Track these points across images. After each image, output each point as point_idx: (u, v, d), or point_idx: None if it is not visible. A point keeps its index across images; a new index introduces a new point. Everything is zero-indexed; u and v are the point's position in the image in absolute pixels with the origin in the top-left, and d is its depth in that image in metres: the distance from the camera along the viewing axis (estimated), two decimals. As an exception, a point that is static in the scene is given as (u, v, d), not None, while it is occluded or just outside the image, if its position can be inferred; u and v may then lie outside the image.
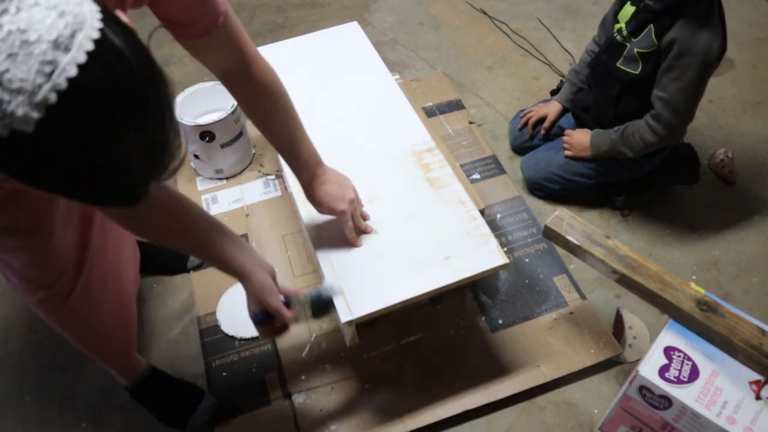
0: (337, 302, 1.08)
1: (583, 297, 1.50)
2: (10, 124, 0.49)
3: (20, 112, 0.48)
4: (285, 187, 1.75)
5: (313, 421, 1.30)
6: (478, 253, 1.15)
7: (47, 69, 0.48)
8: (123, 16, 0.75)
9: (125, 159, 0.56)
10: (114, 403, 1.37)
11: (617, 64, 1.50)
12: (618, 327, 1.44)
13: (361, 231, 1.18)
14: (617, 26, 1.50)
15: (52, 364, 1.44)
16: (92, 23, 0.51)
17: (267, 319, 1.01)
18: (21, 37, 0.48)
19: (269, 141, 1.07)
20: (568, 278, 1.55)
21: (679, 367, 1.07)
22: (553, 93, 1.92)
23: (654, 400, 1.09)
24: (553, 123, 1.79)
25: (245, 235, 1.64)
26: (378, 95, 1.48)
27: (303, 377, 1.37)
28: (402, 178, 1.29)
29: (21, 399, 1.39)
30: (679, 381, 1.05)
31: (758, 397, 1.04)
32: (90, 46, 0.50)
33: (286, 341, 1.43)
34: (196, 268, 1.58)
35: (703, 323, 1.07)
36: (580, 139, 1.64)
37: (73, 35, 0.49)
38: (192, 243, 0.98)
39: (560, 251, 1.60)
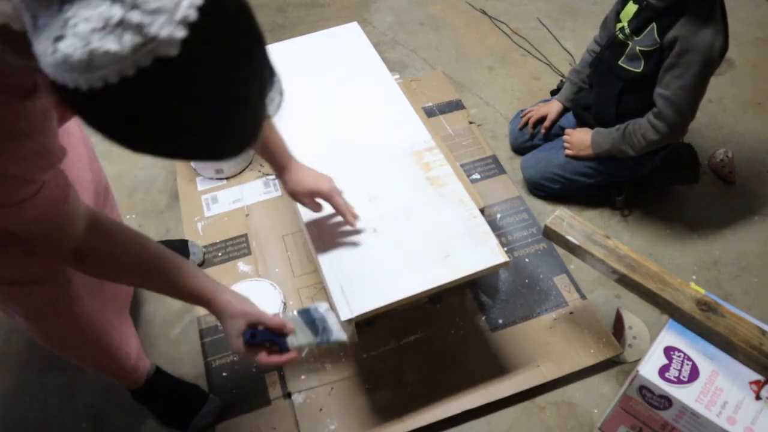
0: (330, 319, 1.00)
1: (583, 297, 1.50)
2: (154, 50, 0.46)
3: (164, 33, 0.46)
4: (285, 187, 1.75)
5: (313, 421, 1.30)
6: (478, 252, 1.15)
7: None
8: None
9: (249, 91, 0.55)
10: (114, 403, 1.37)
11: (619, 63, 1.50)
12: (618, 327, 1.44)
13: (353, 214, 1.17)
14: (619, 25, 1.51)
15: (52, 364, 1.43)
16: None
17: (261, 338, 0.90)
18: None
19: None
20: (568, 278, 1.54)
21: (679, 367, 1.07)
22: (553, 93, 1.92)
23: (654, 400, 1.08)
24: (554, 122, 1.79)
25: (245, 235, 1.64)
26: (378, 95, 1.47)
27: (303, 377, 1.37)
28: (402, 177, 1.29)
29: (21, 399, 1.39)
30: (679, 381, 1.05)
31: (758, 397, 1.04)
32: None
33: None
34: (196, 268, 1.58)
35: (703, 323, 1.07)
36: (580, 138, 1.64)
37: None
38: (148, 277, 0.88)
39: (560, 251, 1.60)
